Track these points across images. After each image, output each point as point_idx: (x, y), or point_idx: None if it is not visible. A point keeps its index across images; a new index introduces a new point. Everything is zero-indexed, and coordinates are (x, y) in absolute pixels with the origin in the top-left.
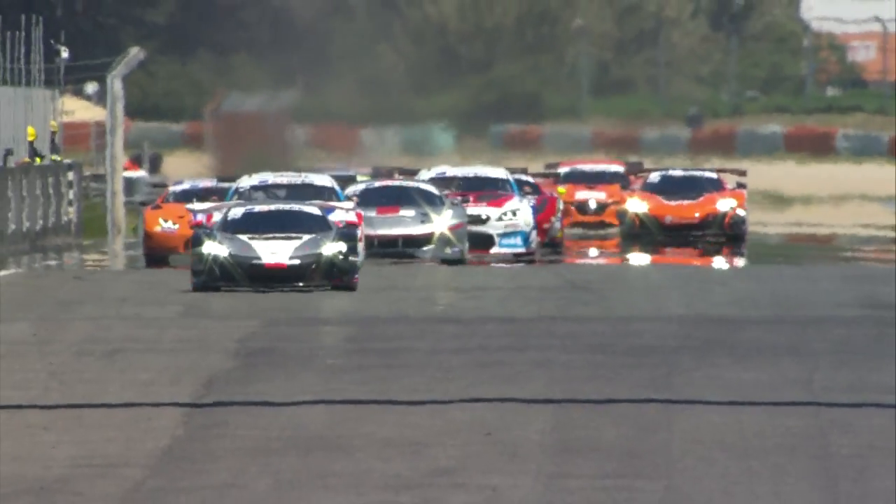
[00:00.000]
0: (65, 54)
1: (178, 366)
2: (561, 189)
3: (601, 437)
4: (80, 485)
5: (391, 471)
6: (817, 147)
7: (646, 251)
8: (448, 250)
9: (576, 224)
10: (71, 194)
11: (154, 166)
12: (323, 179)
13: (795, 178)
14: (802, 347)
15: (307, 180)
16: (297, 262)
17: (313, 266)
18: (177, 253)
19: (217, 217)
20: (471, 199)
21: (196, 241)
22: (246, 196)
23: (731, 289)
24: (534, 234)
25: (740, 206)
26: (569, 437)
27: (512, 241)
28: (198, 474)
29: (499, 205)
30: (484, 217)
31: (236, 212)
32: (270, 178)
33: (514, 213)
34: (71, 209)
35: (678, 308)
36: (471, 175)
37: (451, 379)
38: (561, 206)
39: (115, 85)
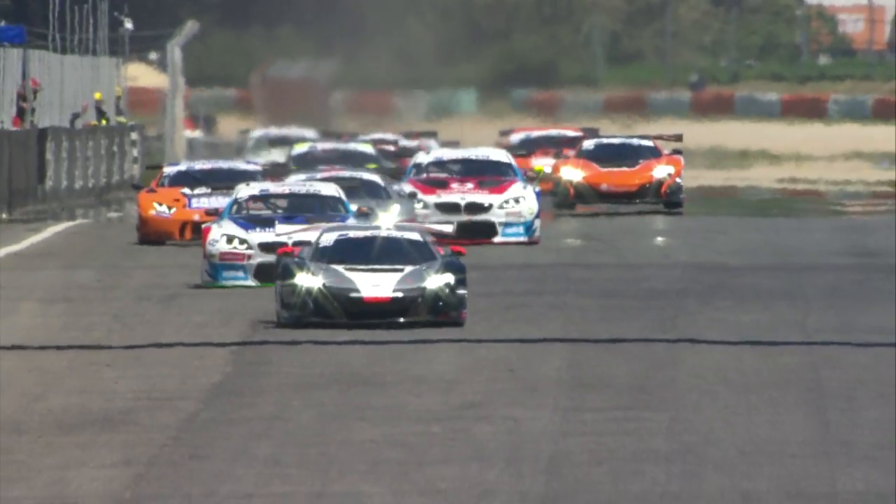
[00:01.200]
0: (129, 25)
1: (228, 309)
2: (539, 168)
3: (612, 373)
4: (140, 416)
5: (423, 405)
6: (810, 111)
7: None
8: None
9: None
10: (134, 152)
11: (209, 127)
12: (329, 188)
13: (791, 138)
14: (796, 292)
15: (312, 189)
16: (400, 295)
17: (418, 300)
18: (172, 239)
19: (282, 238)
20: (472, 185)
21: (286, 272)
22: (244, 206)
23: (731, 238)
24: (537, 223)
25: (677, 173)
26: (583, 373)
27: (515, 230)
28: (246, 407)
29: (500, 191)
30: (486, 205)
31: (328, 238)
32: (271, 187)
33: (516, 201)
34: (134, 166)
35: (683, 256)
36: (472, 158)
37: (477, 321)
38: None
39: (175, 53)
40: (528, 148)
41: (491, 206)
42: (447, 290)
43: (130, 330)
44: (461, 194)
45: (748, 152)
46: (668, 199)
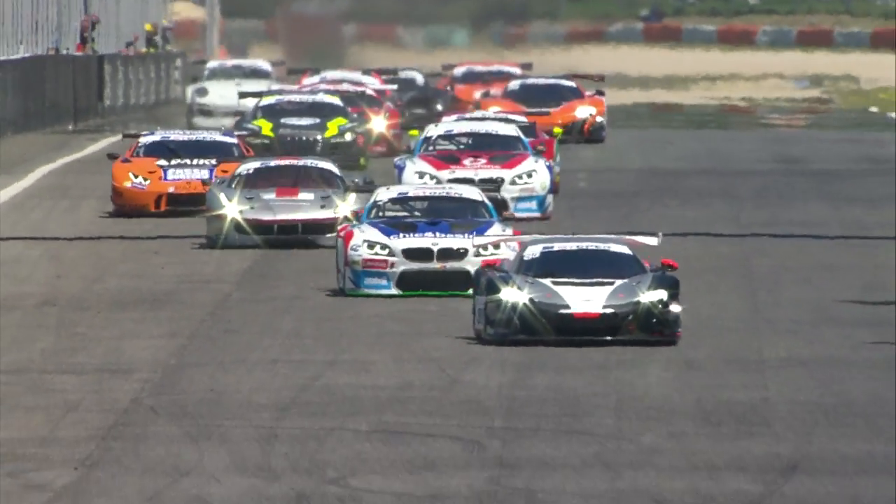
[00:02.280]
0: None
1: None
2: (558, 130)
3: None
4: (183, 296)
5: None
6: (742, 40)
7: None
8: None
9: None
10: (177, 75)
11: (241, 54)
12: (472, 192)
13: (726, 63)
14: (731, 192)
15: (454, 193)
16: (610, 311)
17: (629, 317)
18: (147, 211)
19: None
20: (484, 160)
21: (491, 287)
22: (383, 209)
23: (677, 148)
24: (550, 198)
25: (599, 112)
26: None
27: (527, 205)
28: (271, 288)
29: (512, 166)
30: (497, 179)
31: (533, 250)
32: (411, 190)
33: (529, 176)
34: (177, 87)
35: (637, 163)
36: (481, 132)
37: None
38: (558, 150)
39: None
40: (470, 80)
41: (502, 180)
42: (660, 307)
43: (174, 225)
44: (474, 170)
45: (691, 75)
46: (590, 137)
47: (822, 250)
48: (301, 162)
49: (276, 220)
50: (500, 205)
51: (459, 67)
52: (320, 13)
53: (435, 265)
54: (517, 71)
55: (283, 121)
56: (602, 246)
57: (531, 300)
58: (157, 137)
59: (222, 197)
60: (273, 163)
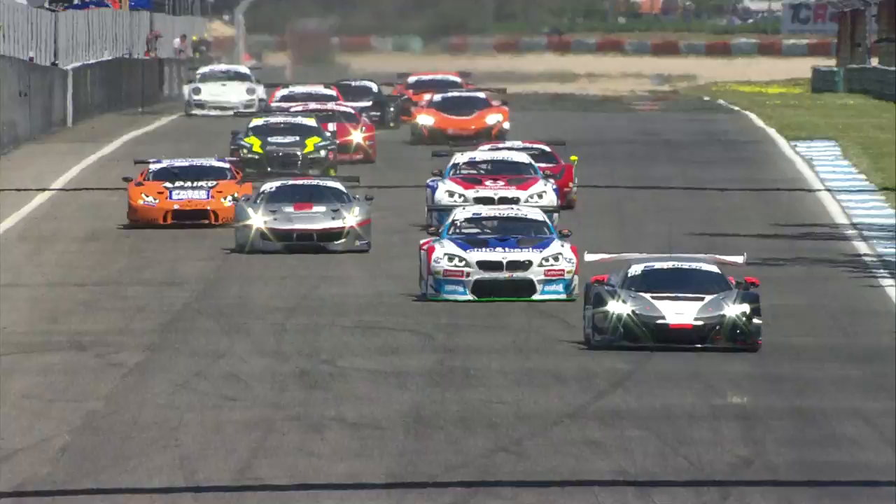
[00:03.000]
0: None
1: None
2: (574, 157)
3: None
4: (220, 234)
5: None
6: (614, 48)
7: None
8: (357, 243)
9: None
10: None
11: (259, 59)
12: (535, 213)
13: (603, 65)
14: (607, 156)
15: (520, 214)
16: (701, 323)
17: (717, 327)
18: (156, 224)
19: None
20: (502, 182)
21: (598, 300)
22: (459, 227)
23: (566, 126)
24: (555, 215)
25: (504, 119)
26: None
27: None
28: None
29: (526, 188)
30: (513, 198)
31: (636, 268)
32: (484, 210)
33: (539, 196)
34: None
35: (529, 138)
36: (499, 159)
37: None
38: (576, 174)
39: (238, 16)
40: (418, 88)
41: (519, 199)
42: (744, 319)
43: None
44: (493, 190)
45: (578, 73)
46: (496, 138)
47: (672, 198)
48: (314, 181)
49: (294, 229)
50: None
51: (412, 76)
52: (316, 29)
53: (504, 275)
54: (458, 80)
55: (269, 139)
56: (694, 265)
57: (633, 312)
58: (164, 164)
59: (249, 210)
60: (290, 182)
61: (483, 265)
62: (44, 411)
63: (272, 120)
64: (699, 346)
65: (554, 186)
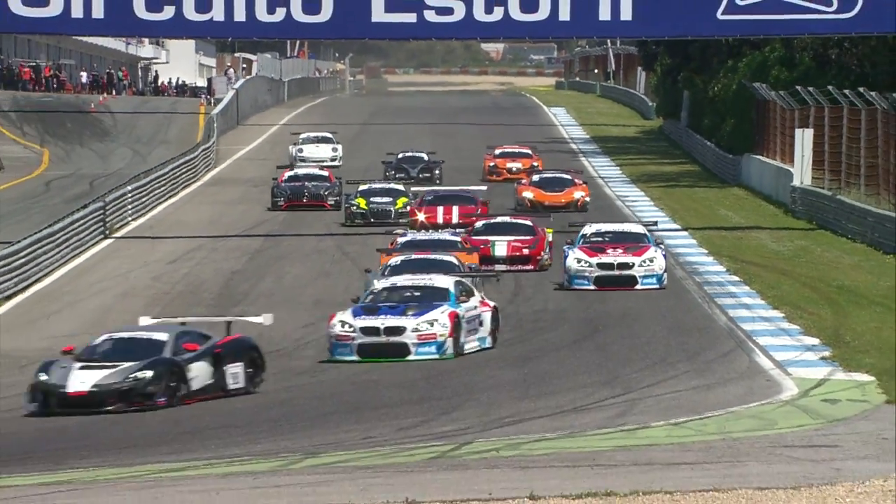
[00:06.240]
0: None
1: None
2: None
3: None
4: None
5: None
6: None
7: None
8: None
9: None
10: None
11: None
12: (442, 281)
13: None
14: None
15: (429, 283)
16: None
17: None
18: None
19: None
20: (621, 250)
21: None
22: (376, 296)
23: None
24: (665, 275)
25: (586, 195)
26: None
27: (650, 280)
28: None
29: (640, 254)
30: (630, 263)
31: None
32: (399, 280)
33: (651, 261)
34: None
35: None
36: (619, 231)
37: None
38: (549, 241)
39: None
40: (506, 157)
41: (634, 264)
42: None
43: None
44: (613, 257)
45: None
46: (581, 210)
47: None
48: (432, 256)
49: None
50: (632, 280)
51: (498, 149)
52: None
53: (382, 339)
54: (529, 151)
55: (371, 199)
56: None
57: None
58: (408, 237)
59: (375, 281)
60: (413, 256)
61: (363, 331)
62: None
63: (374, 186)
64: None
65: (664, 252)
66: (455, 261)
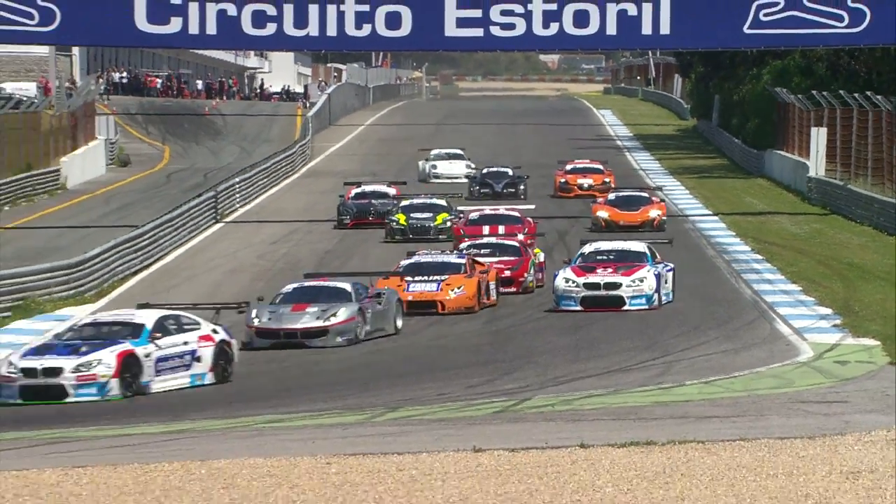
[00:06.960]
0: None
1: None
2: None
3: None
4: None
5: None
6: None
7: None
8: (338, 339)
9: None
10: None
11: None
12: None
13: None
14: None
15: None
16: None
17: None
18: None
19: None
20: (611, 269)
21: None
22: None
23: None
24: (656, 296)
25: (663, 213)
26: None
27: (638, 301)
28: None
29: (629, 274)
30: (617, 284)
31: None
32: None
33: (640, 281)
34: None
35: None
36: (618, 249)
37: None
38: (534, 263)
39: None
40: (576, 173)
41: (621, 284)
42: None
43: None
44: (602, 277)
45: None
46: (657, 229)
47: None
48: (322, 284)
49: (286, 328)
50: (619, 300)
51: (569, 164)
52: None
53: (40, 380)
54: (601, 167)
55: (412, 215)
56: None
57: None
58: (412, 260)
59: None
60: (307, 283)
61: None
62: None
63: (415, 201)
64: None
65: (656, 272)
66: (348, 287)
